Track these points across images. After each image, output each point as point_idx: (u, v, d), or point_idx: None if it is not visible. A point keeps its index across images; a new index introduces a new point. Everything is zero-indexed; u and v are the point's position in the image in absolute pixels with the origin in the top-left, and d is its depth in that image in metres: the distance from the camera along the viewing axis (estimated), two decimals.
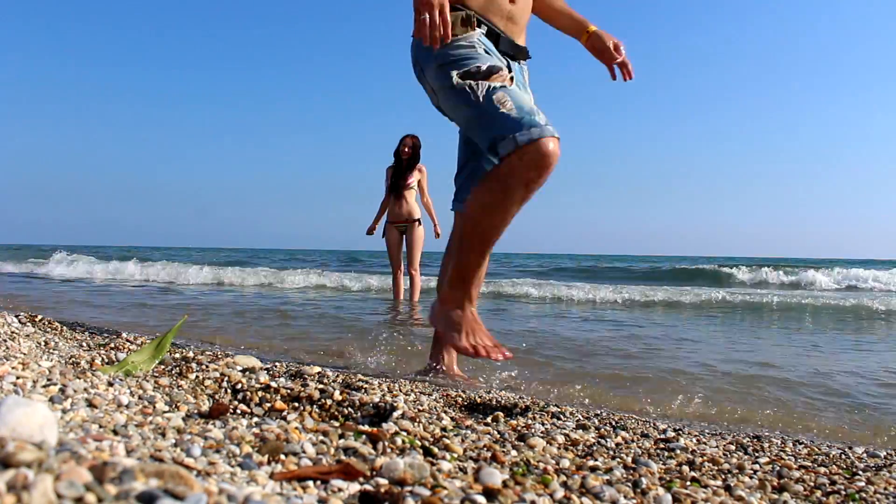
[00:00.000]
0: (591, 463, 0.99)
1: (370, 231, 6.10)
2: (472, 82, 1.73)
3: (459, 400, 1.52)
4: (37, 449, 0.51)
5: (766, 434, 1.41)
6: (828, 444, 1.35)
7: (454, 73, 1.75)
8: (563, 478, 0.88)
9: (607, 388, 2.15)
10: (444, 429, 1.10)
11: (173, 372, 1.35)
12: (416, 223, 5.96)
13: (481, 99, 1.70)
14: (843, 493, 0.95)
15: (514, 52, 1.97)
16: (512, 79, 1.82)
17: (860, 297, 7.70)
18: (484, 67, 1.75)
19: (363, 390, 1.35)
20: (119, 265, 10.67)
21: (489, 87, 1.71)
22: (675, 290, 7.87)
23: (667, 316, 5.35)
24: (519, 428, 1.21)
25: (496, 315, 5.10)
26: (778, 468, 1.05)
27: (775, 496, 0.92)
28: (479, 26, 1.87)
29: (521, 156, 1.60)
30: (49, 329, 2.28)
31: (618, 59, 2.05)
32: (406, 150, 5.92)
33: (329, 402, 1.22)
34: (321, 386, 1.31)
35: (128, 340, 2.07)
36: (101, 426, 0.89)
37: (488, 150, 1.70)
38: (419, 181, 5.99)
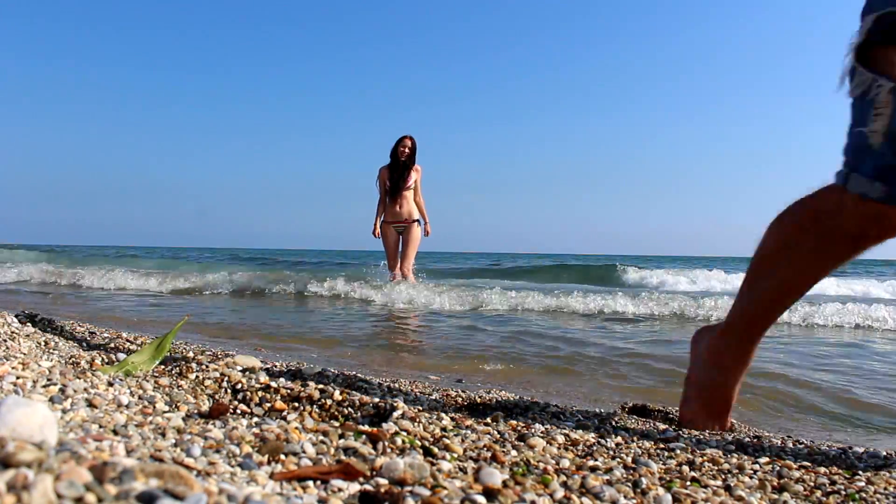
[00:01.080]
0: (591, 463, 0.99)
1: (375, 233, 6.12)
2: None
3: (459, 400, 1.52)
4: (37, 449, 0.51)
5: (767, 434, 1.41)
6: (828, 444, 1.35)
7: None
8: (563, 478, 0.88)
9: (607, 388, 2.15)
10: (444, 429, 1.10)
11: (173, 372, 1.35)
12: (415, 224, 6.01)
13: None
14: (843, 493, 0.95)
15: None
16: None
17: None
18: None
19: (363, 390, 1.35)
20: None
21: None
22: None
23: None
24: (519, 428, 1.20)
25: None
26: (778, 468, 1.05)
27: (775, 496, 0.92)
28: None
29: None
30: (49, 329, 2.28)
31: None
32: (407, 151, 5.94)
33: (329, 402, 1.22)
34: (321, 386, 1.31)
35: (128, 340, 2.07)
36: (101, 426, 0.89)
37: None
38: (415, 180, 6.04)
